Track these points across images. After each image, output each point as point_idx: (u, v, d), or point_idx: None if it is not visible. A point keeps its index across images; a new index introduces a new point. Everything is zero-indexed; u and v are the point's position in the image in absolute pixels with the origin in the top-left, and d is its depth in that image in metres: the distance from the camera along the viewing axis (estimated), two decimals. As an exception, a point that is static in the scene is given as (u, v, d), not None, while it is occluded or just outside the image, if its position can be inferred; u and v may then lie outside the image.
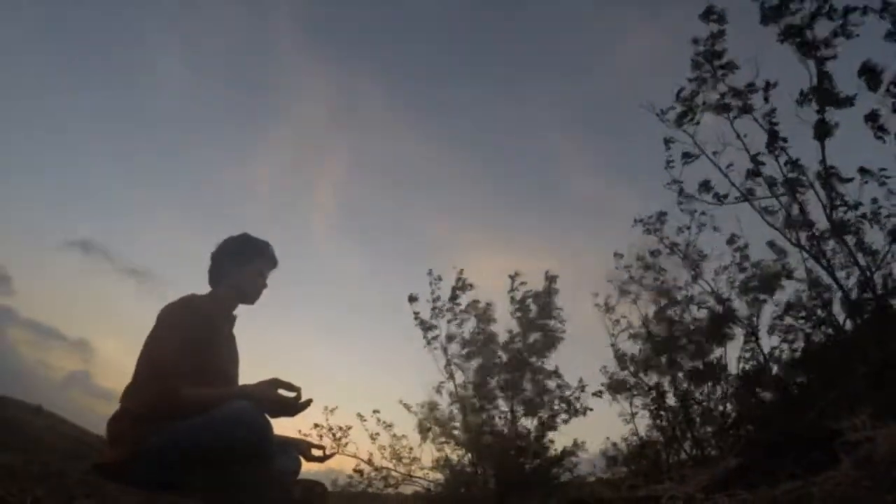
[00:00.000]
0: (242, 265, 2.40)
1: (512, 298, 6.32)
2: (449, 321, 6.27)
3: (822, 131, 4.15)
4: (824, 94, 4.13)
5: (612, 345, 6.13)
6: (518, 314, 6.25)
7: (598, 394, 5.92)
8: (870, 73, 3.97)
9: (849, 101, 4.11)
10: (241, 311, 2.47)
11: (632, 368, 5.93)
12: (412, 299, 6.33)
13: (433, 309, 6.29)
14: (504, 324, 6.31)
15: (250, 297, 2.45)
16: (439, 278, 6.33)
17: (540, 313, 6.19)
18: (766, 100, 4.42)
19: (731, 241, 5.45)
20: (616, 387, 5.94)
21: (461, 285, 6.29)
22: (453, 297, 6.27)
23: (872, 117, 4.04)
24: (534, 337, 6.14)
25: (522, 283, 6.34)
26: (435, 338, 6.25)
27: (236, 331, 2.48)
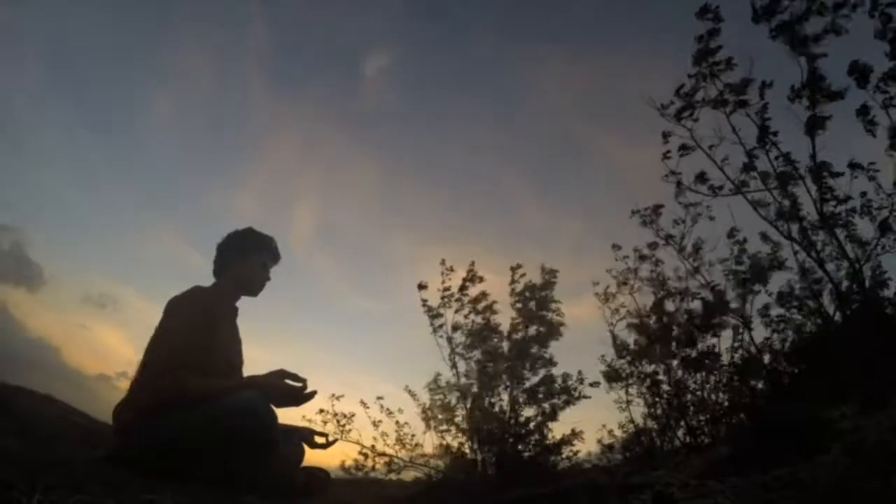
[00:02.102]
0: (246, 257, 2.40)
1: (512, 290, 6.33)
2: (456, 311, 6.27)
3: (814, 124, 4.16)
4: (816, 89, 4.14)
5: (611, 332, 6.15)
6: (518, 305, 6.26)
7: (595, 384, 5.93)
8: (860, 71, 3.98)
9: (839, 95, 4.12)
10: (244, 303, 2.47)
11: (628, 358, 5.94)
12: (421, 287, 6.34)
13: (442, 298, 6.28)
14: (506, 314, 6.32)
15: (253, 290, 2.44)
16: (451, 269, 6.32)
17: (538, 305, 6.19)
18: (762, 96, 4.42)
19: (731, 234, 5.46)
20: (613, 376, 5.95)
21: (472, 277, 6.28)
22: (463, 288, 6.25)
23: (864, 111, 4.05)
24: (534, 328, 6.15)
25: (522, 276, 6.35)
26: (440, 326, 6.25)
27: (239, 321, 2.48)
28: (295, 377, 2.13)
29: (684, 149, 4.79)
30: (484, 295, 6.26)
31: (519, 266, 6.38)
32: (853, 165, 4.25)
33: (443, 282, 6.29)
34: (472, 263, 6.33)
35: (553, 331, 6.12)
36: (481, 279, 6.28)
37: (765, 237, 5.20)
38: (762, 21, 4.27)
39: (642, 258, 5.98)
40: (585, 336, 6.21)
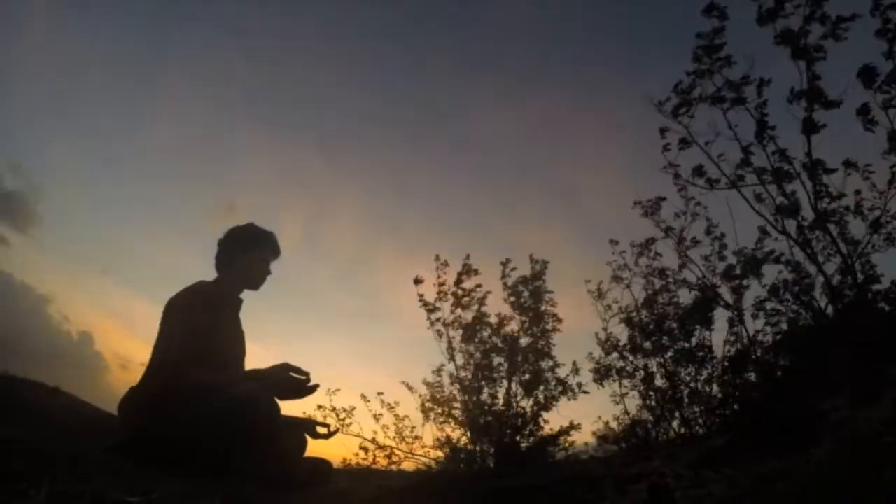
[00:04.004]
0: (247, 252, 2.40)
1: (505, 284, 6.33)
2: (452, 305, 6.26)
3: (810, 128, 4.14)
4: (813, 95, 4.12)
5: (603, 329, 6.15)
6: (512, 298, 6.26)
7: (597, 380, 5.95)
8: (867, 73, 3.97)
9: (836, 104, 4.11)
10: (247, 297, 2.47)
11: (621, 352, 5.95)
12: (417, 281, 6.33)
13: (438, 292, 6.28)
14: (499, 309, 6.32)
15: (254, 284, 2.45)
16: (445, 263, 6.32)
17: (532, 297, 6.19)
18: (760, 94, 4.39)
19: (708, 231, 5.46)
20: (604, 373, 5.96)
21: (466, 270, 6.28)
22: (458, 282, 6.25)
23: (864, 110, 4.04)
24: (527, 320, 6.15)
25: (513, 269, 6.35)
26: (437, 320, 6.25)
27: (242, 315, 2.48)
28: (298, 370, 2.14)
29: (684, 143, 4.77)
30: (478, 287, 6.27)
31: (508, 260, 6.39)
32: (848, 163, 4.24)
33: (438, 276, 6.29)
34: (468, 256, 6.33)
35: (545, 322, 6.13)
36: (476, 272, 6.29)
37: (762, 231, 5.20)
38: (767, 23, 4.25)
39: (640, 253, 5.97)
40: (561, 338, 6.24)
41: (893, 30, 3.78)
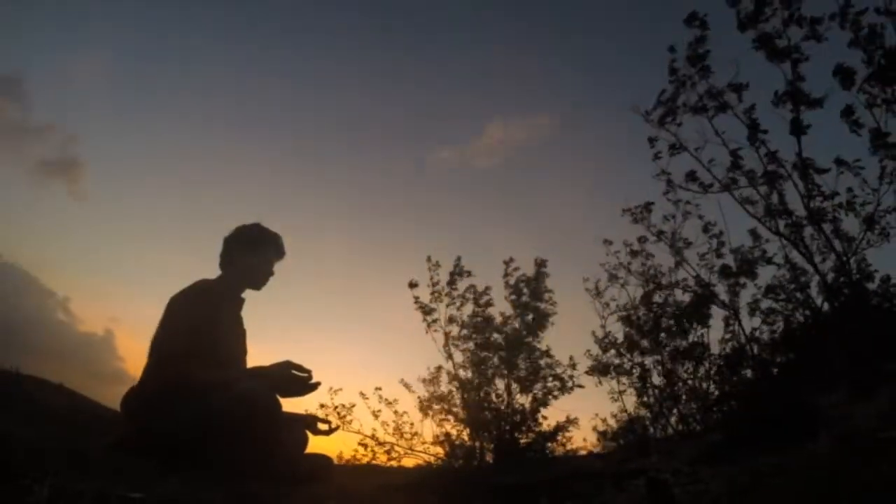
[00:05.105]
0: (252, 252, 2.38)
1: (506, 283, 6.33)
2: (448, 305, 6.27)
3: (798, 129, 4.14)
4: (798, 96, 4.11)
5: (602, 326, 6.14)
6: (512, 297, 6.26)
7: (590, 372, 5.95)
8: (843, 73, 3.95)
9: (819, 103, 4.10)
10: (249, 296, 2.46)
11: (618, 350, 5.94)
12: (412, 285, 6.33)
13: (433, 293, 6.29)
14: (498, 307, 6.32)
15: (257, 284, 2.43)
16: (437, 264, 6.32)
17: (532, 296, 6.19)
18: (741, 99, 4.38)
19: (706, 229, 5.45)
20: (602, 369, 5.95)
21: (459, 271, 6.28)
22: (451, 283, 6.25)
23: (848, 112, 4.02)
24: (527, 317, 6.14)
25: (515, 269, 6.35)
26: (434, 321, 6.25)
27: (244, 313, 2.47)
28: (300, 368, 2.13)
29: (674, 148, 4.75)
30: (471, 287, 6.28)
31: (511, 259, 6.39)
32: (839, 162, 4.22)
33: (431, 278, 6.30)
34: (459, 258, 6.34)
35: (544, 320, 6.13)
36: (468, 273, 6.29)
37: (753, 233, 5.21)
38: (748, 29, 4.24)
39: (634, 253, 5.96)
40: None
41: (865, 38, 3.79)
